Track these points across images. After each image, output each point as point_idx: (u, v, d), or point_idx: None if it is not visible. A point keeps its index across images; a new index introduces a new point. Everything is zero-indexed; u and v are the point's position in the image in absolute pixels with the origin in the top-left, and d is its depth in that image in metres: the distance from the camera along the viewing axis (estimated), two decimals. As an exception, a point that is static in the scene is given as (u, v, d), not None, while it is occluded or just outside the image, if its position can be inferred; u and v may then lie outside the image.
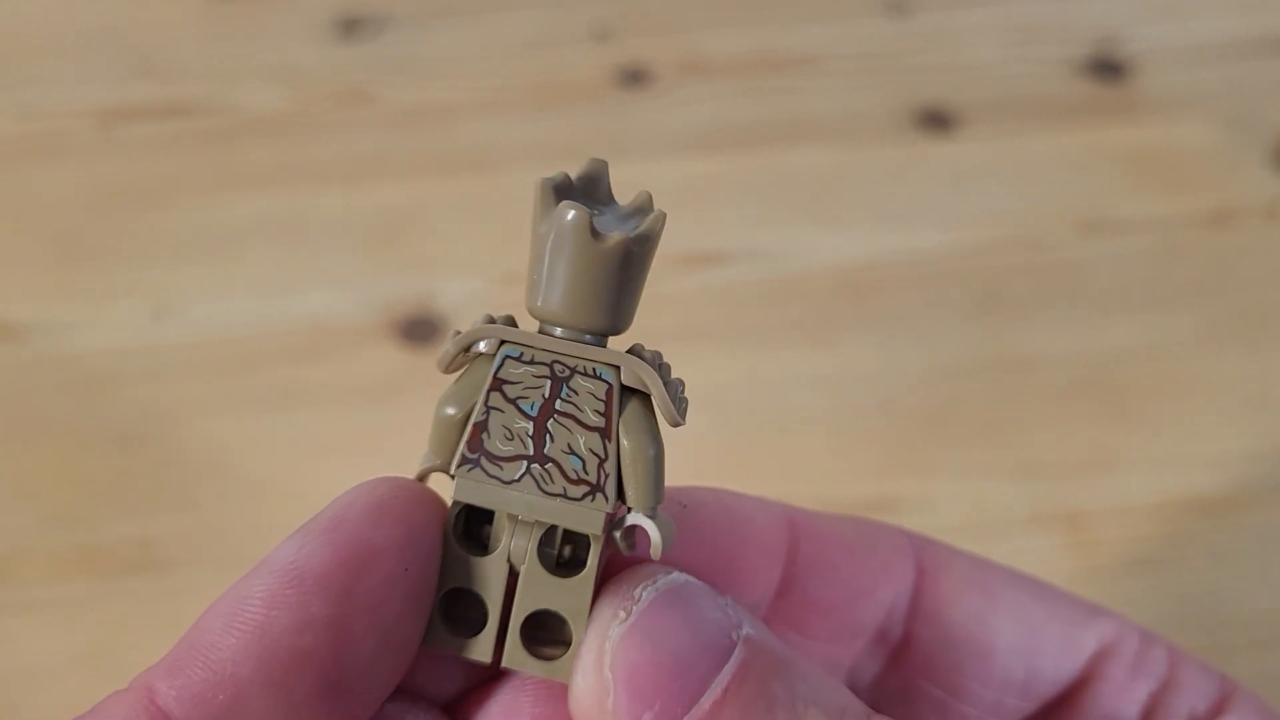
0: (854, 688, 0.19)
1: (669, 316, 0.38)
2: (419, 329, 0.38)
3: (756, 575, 0.17)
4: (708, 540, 0.17)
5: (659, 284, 0.39)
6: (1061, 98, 0.43)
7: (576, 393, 0.15)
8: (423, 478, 0.16)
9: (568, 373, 0.15)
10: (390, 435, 0.35)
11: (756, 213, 0.40)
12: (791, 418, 0.36)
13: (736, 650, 0.14)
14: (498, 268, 0.39)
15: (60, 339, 0.37)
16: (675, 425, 0.15)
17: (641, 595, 0.14)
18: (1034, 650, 0.18)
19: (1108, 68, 0.44)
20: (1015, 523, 0.34)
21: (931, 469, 0.35)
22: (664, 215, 0.16)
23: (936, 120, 0.43)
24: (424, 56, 0.45)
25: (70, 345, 0.37)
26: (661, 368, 0.15)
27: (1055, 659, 0.18)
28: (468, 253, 0.40)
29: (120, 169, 0.42)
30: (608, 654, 0.14)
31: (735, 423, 0.35)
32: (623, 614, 0.14)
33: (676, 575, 0.15)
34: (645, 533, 0.15)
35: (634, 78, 0.44)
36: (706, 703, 0.14)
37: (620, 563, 0.15)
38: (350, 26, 0.46)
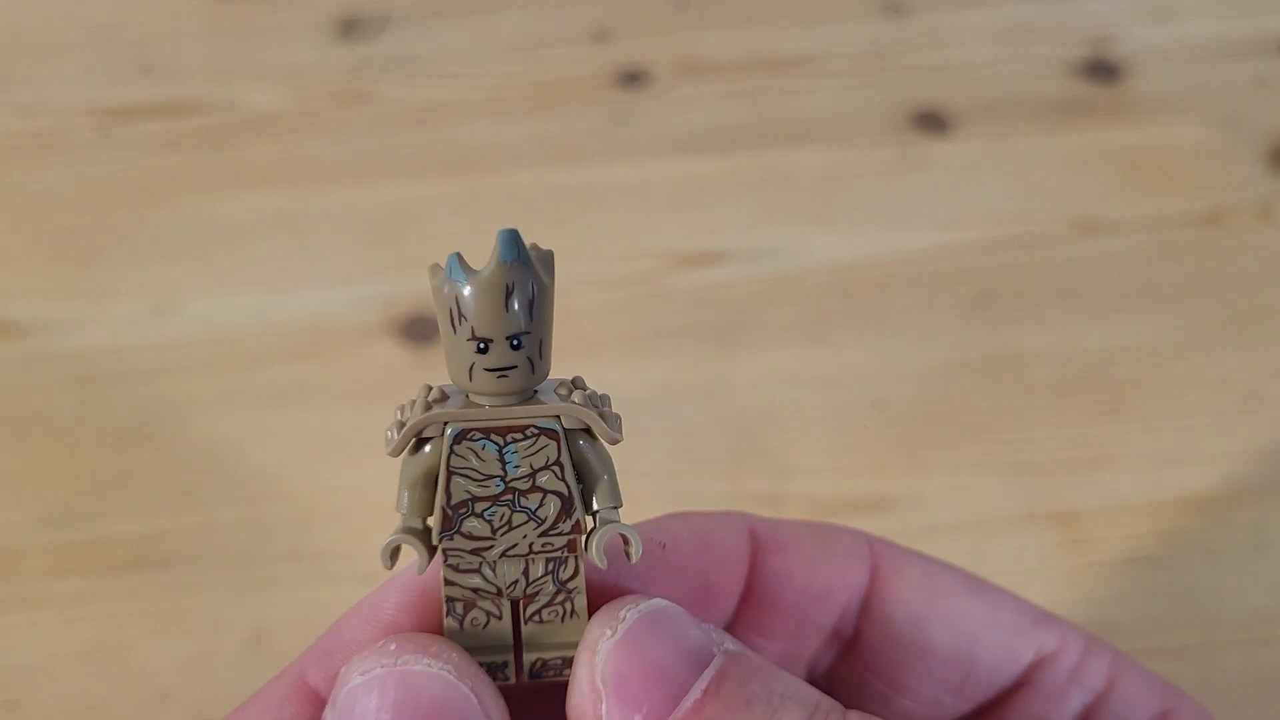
0: (810, 678, 0.21)
1: (666, 315, 0.38)
2: (418, 327, 0.38)
3: (725, 590, 0.19)
4: (687, 571, 0.18)
5: (657, 282, 0.39)
6: (1056, 98, 0.44)
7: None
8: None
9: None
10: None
11: (753, 212, 0.41)
12: (787, 416, 0.36)
13: (716, 659, 0.15)
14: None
15: (61, 337, 0.38)
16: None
17: (626, 615, 0.16)
18: (970, 655, 0.19)
19: (1102, 69, 0.45)
20: (1009, 521, 0.34)
21: (926, 467, 0.35)
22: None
23: (932, 120, 0.43)
24: (423, 56, 0.45)
25: (71, 343, 0.37)
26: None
27: (992, 664, 0.19)
28: (467, 251, 0.39)
29: (121, 167, 0.42)
30: (598, 666, 0.15)
31: (731, 420, 0.36)
32: (609, 631, 0.16)
33: (658, 600, 0.16)
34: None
35: (632, 78, 0.44)
36: (688, 703, 0.15)
37: (606, 595, 0.17)
38: (349, 26, 0.46)
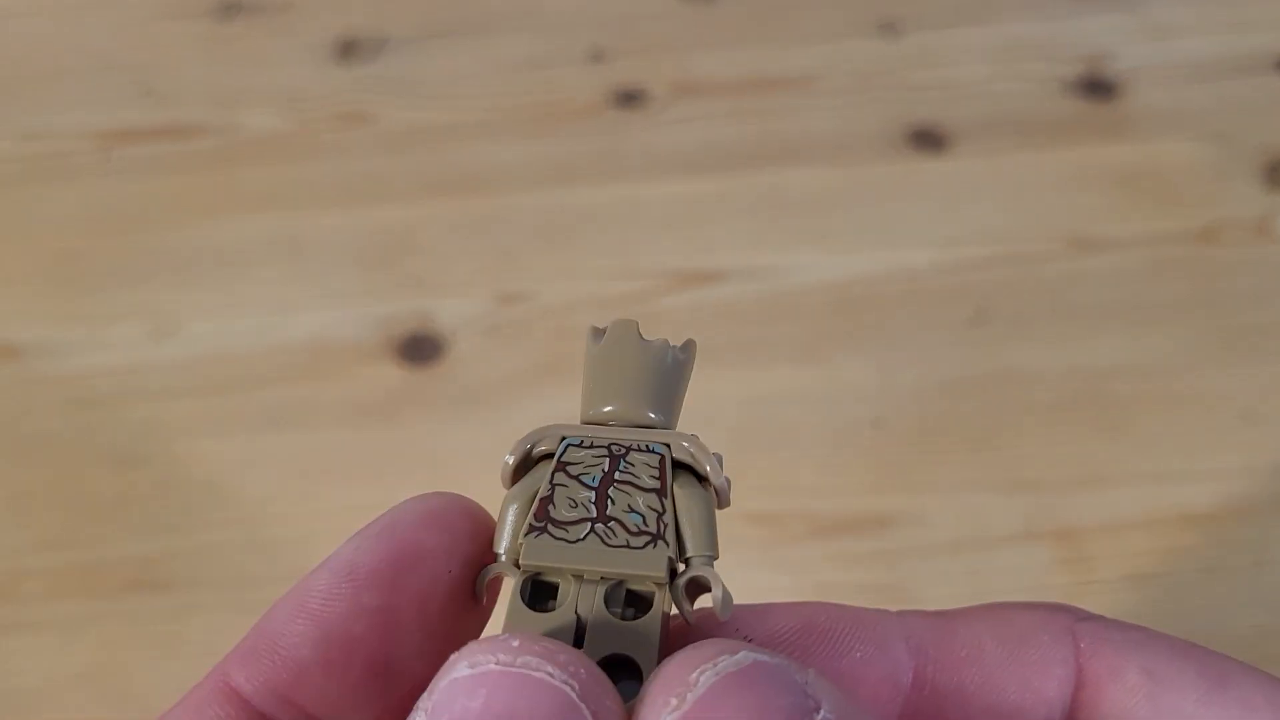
0: None
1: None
2: (417, 347, 0.38)
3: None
4: None
5: (654, 302, 0.39)
6: (1052, 116, 0.44)
7: (633, 465, 0.16)
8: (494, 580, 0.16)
9: (624, 450, 0.16)
10: (389, 453, 0.36)
11: (750, 231, 0.41)
12: (785, 434, 0.36)
13: None
14: (496, 286, 0.39)
15: (60, 359, 0.38)
16: (722, 504, 0.16)
17: (698, 680, 0.12)
18: None
19: (1097, 86, 0.45)
20: (1009, 539, 0.34)
21: (924, 485, 0.35)
22: (696, 342, 0.18)
23: (928, 138, 0.43)
24: (422, 78, 0.45)
25: (70, 365, 0.37)
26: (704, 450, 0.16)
27: None
28: (466, 272, 0.40)
29: (120, 190, 0.42)
30: None
31: (729, 439, 0.36)
32: (675, 701, 0.12)
33: (743, 655, 0.13)
34: (705, 589, 0.15)
35: (629, 98, 0.44)
36: None
37: (687, 636, 0.15)
38: (348, 48, 0.46)
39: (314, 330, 0.38)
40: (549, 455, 0.16)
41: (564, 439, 0.16)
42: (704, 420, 0.37)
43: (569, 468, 0.16)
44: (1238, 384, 0.37)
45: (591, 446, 0.16)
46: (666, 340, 0.17)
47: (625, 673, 0.15)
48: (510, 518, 0.16)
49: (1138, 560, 0.33)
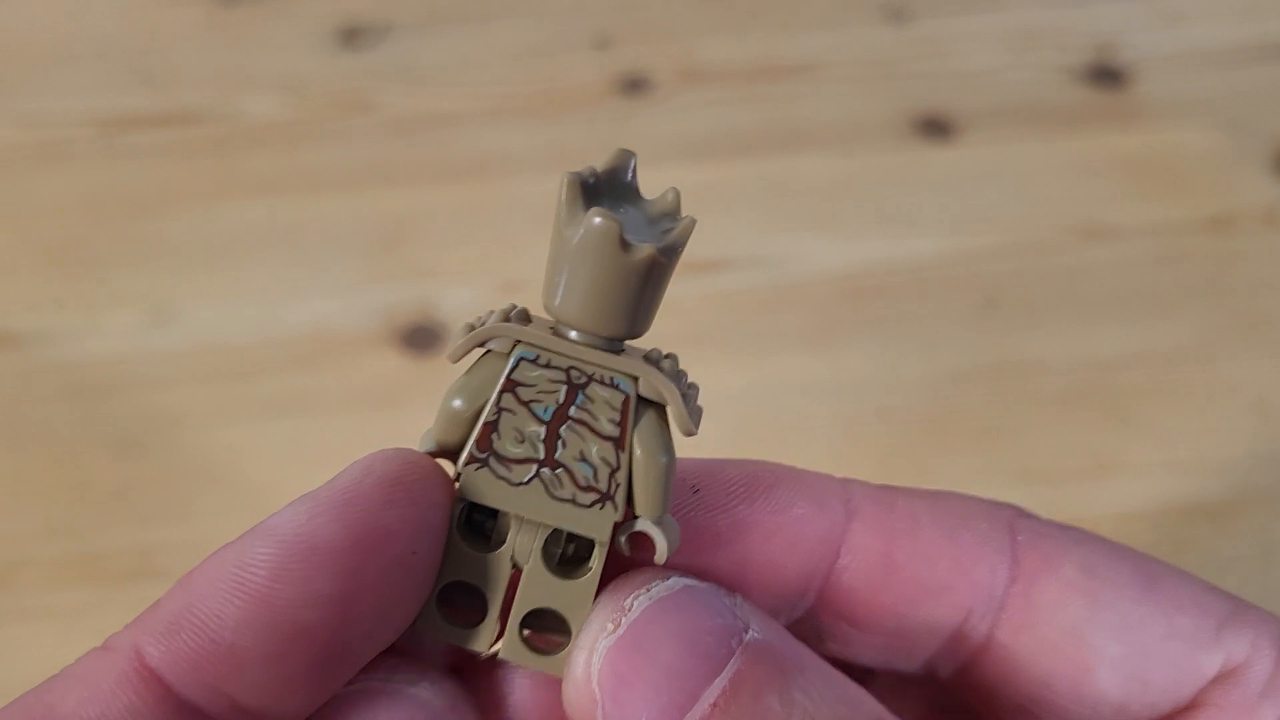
0: (932, 677, 0.17)
1: (670, 323, 0.38)
2: (419, 336, 0.38)
3: (796, 570, 0.16)
4: (740, 541, 0.15)
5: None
6: (1061, 104, 0.43)
7: (592, 400, 0.14)
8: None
9: (584, 380, 0.14)
10: (390, 442, 0.35)
11: (757, 219, 0.40)
12: (791, 423, 0.36)
13: (733, 660, 0.13)
14: (498, 275, 0.39)
15: (61, 347, 0.37)
16: (689, 435, 0.15)
17: (633, 605, 0.14)
18: (1138, 674, 0.15)
19: (1107, 74, 0.44)
20: (1016, 528, 0.34)
21: (930, 473, 0.34)
22: (693, 221, 0.15)
23: (936, 126, 0.43)
24: (425, 65, 0.45)
25: (70, 353, 0.37)
26: (679, 376, 0.15)
27: (1163, 684, 0.16)
28: (468, 260, 0.40)
29: (121, 177, 0.42)
30: (595, 667, 0.13)
31: (735, 428, 0.35)
32: (611, 625, 0.14)
33: (674, 580, 0.14)
34: (649, 539, 0.15)
35: (634, 85, 0.44)
36: (695, 717, 0.13)
37: (625, 561, 0.15)
38: (351, 35, 0.46)
39: (315, 318, 0.38)
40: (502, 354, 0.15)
41: (518, 348, 0.14)
42: (707, 409, 0.37)
43: (520, 390, 0.14)
44: (1248, 374, 0.36)
45: (548, 366, 0.14)
46: (654, 250, 0.14)
47: (551, 622, 0.15)
48: (448, 416, 0.15)
49: (1146, 550, 0.33)
